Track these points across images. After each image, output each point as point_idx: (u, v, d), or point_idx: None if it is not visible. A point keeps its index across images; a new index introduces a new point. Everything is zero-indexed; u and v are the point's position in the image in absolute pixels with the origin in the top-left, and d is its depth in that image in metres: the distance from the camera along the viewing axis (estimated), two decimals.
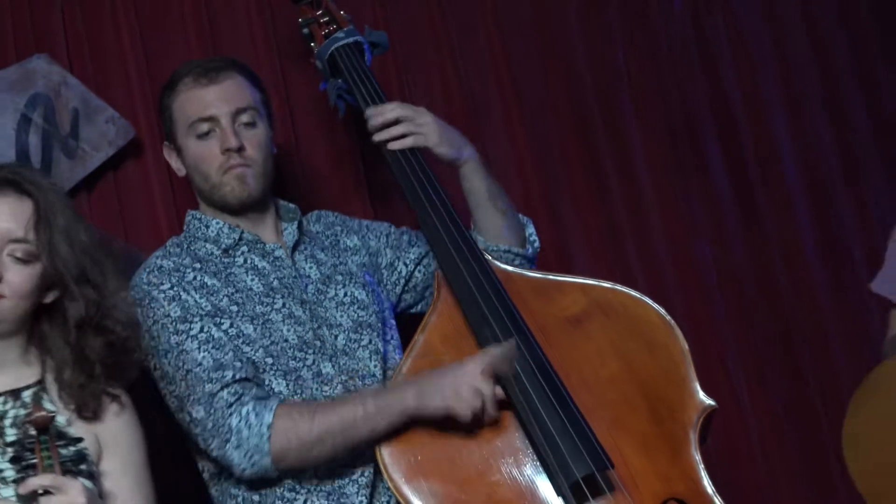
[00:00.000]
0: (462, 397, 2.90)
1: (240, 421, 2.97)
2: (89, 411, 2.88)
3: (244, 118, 3.26)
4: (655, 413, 3.06)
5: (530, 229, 3.48)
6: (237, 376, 3.04)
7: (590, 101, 4.48)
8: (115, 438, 2.91)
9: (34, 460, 2.66)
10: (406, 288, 3.46)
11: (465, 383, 2.91)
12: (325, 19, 3.53)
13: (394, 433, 2.99)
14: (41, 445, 2.65)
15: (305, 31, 3.57)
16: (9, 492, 2.69)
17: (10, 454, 2.72)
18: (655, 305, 3.19)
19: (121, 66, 3.82)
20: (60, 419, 2.81)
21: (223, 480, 3.16)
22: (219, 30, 3.92)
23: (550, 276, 3.29)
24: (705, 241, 4.55)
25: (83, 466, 2.76)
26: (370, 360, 3.22)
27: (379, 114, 3.31)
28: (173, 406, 3.12)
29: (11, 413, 2.81)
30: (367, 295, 3.32)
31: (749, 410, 4.35)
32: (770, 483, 4.35)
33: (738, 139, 4.71)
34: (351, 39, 3.46)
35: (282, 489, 3.09)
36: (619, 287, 3.24)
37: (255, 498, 3.11)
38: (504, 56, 4.37)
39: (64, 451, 2.72)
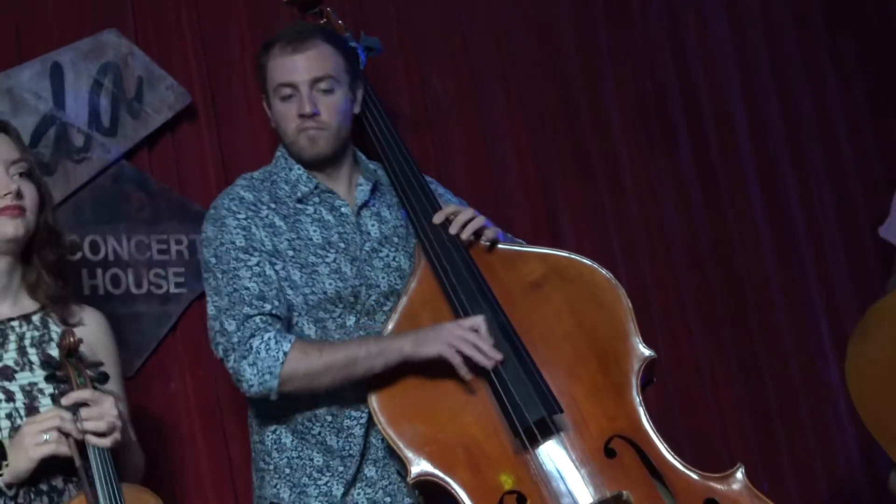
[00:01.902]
0: (451, 344, 2.94)
1: (260, 343, 2.98)
2: (73, 318, 2.90)
3: (322, 85, 3.20)
4: (603, 363, 3.08)
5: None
6: (273, 311, 3.04)
7: (577, 87, 4.48)
8: (104, 351, 2.92)
9: (66, 377, 2.69)
10: None
11: (455, 334, 2.95)
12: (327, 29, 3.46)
13: (382, 383, 3.02)
14: (72, 366, 2.70)
15: None
16: (47, 402, 2.72)
17: (45, 373, 2.73)
18: (604, 271, 3.19)
19: (179, 40, 3.81)
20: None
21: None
22: (265, 12, 3.91)
23: (514, 247, 3.27)
24: (671, 207, 4.56)
25: (106, 386, 2.78)
26: (384, 325, 3.20)
27: (455, 218, 3.19)
28: (211, 313, 3.11)
29: (28, 335, 2.83)
30: (410, 265, 3.30)
31: (703, 356, 4.38)
32: (719, 418, 4.37)
33: (701, 122, 4.72)
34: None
35: (303, 417, 3.12)
36: (573, 255, 3.24)
37: (283, 418, 3.14)
38: (504, 48, 4.37)
39: (89, 371, 2.74)
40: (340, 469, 3.10)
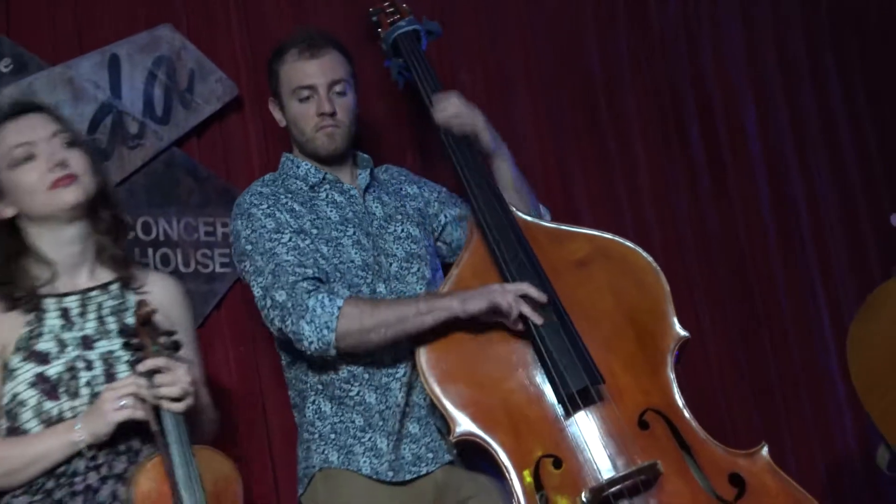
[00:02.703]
0: (503, 296, 2.92)
1: (315, 302, 2.98)
2: (135, 282, 2.93)
3: (337, 88, 3.29)
4: (641, 340, 3.06)
5: (544, 211, 3.48)
6: (314, 274, 3.07)
7: (597, 84, 4.50)
8: (178, 318, 2.95)
9: (141, 345, 2.71)
10: (440, 237, 3.47)
11: (503, 289, 2.94)
12: (391, 9, 3.55)
13: (432, 343, 3.01)
14: (147, 334, 2.73)
15: (374, 18, 3.58)
16: (124, 369, 2.75)
17: (122, 341, 2.75)
18: (645, 254, 3.17)
19: (228, 36, 3.84)
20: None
21: (296, 367, 3.23)
22: (307, 12, 3.95)
23: (563, 227, 3.27)
24: (683, 199, 4.58)
25: (179, 353, 2.79)
26: (417, 285, 3.26)
27: (442, 109, 3.31)
28: (258, 295, 3.11)
29: (106, 304, 2.85)
30: (419, 232, 3.36)
31: (710, 336, 4.38)
32: (725, 400, 4.39)
33: (713, 118, 4.74)
34: (410, 28, 3.49)
35: (340, 381, 3.14)
36: (618, 238, 3.21)
37: (319, 387, 3.17)
38: (530, 48, 4.40)
39: (163, 339, 2.75)
40: (380, 423, 3.12)
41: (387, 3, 3.56)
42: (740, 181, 4.74)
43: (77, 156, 2.84)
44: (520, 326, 2.96)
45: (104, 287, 2.87)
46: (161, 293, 2.94)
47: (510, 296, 2.93)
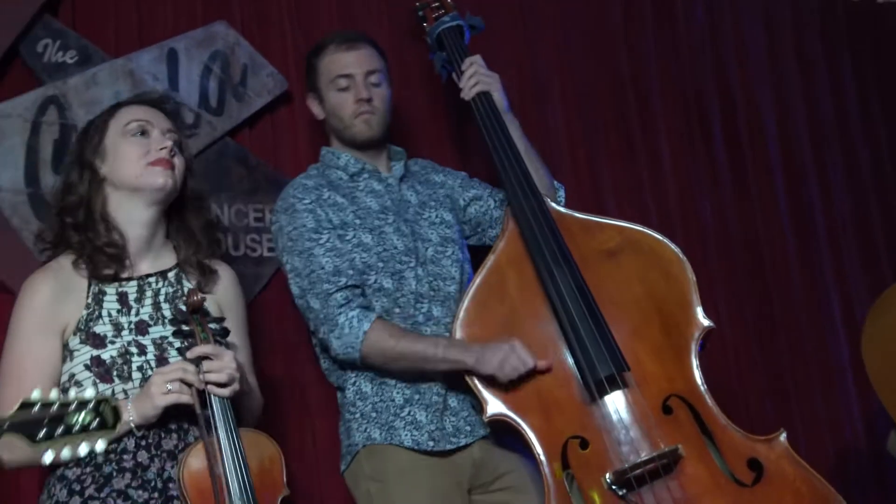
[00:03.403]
0: (504, 371, 2.93)
1: (345, 320, 3.04)
2: (209, 284, 2.96)
3: (373, 78, 3.33)
4: (666, 328, 3.05)
5: (561, 192, 3.46)
6: (349, 283, 3.09)
7: (626, 85, 4.49)
8: (229, 305, 3.00)
9: (191, 332, 2.75)
10: (462, 219, 3.46)
11: (509, 362, 2.94)
12: (436, 4, 3.54)
13: (466, 326, 3.05)
14: (196, 322, 2.77)
15: (420, 13, 3.57)
16: (175, 355, 2.77)
17: (173, 328, 2.78)
18: (673, 245, 3.16)
19: (279, 33, 3.87)
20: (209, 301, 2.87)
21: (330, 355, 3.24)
22: (354, 10, 3.95)
23: (594, 218, 3.25)
24: (705, 196, 4.55)
25: (230, 338, 2.84)
26: (451, 267, 3.27)
27: (467, 66, 3.36)
28: (296, 293, 3.16)
29: (163, 291, 2.88)
30: (451, 217, 3.38)
31: (727, 327, 4.34)
32: (741, 387, 4.38)
33: (734, 119, 4.71)
34: (454, 23, 3.48)
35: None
36: (647, 229, 3.20)
37: (360, 369, 3.18)
38: (564, 50, 4.40)
39: (212, 326, 2.79)
40: (417, 398, 3.14)
41: None
42: (759, 180, 4.72)
43: (179, 158, 2.93)
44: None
45: (163, 274, 2.90)
46: (221, 281, 3.00)
47: (512, 372, 2.95)
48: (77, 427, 2.13)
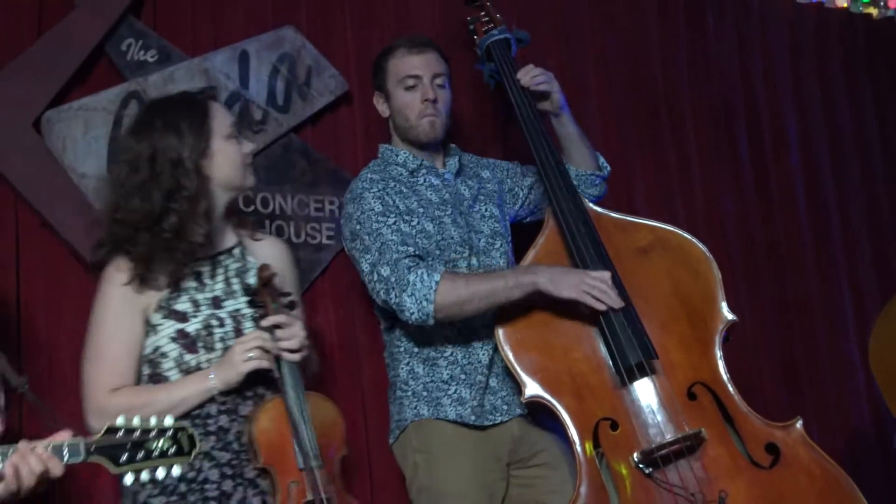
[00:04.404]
0: (584, 290, 2.92)
1: (416, 277, 3.01)
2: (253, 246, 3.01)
3: (438, 81, 3.33)
4: (693, 321, 3.08)
5: (602, 160, 3.49)
6: (415, 252, 3.09)
7: (658, 92, 4.53)
8: (286, 275, 3.00)
9: (263, 303, 2.80)
10: (521, 205, 3.50)
11: (586, 282, 2.94)
12: (486, 19, 3.54)
13: (508, 318, 3.04)
14: (268, 294, 2.81)
15: (471, 27, 3.57)
16: (249, 325, 2.82)
17: (246, 300, 2.83)
18: (701, 244, 3.17)
19: (342, 39, 3.91)
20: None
21: (393, 332, 3.27)
22: (411, 21, 3.98)
23: (628, 218, 3.27)
24: (729, 198, 4.59)
25: (294, 312, 2.87)
26: (500, 259, 3.29)
27: (524, 72, 3.33)
28: (366, 270, 3.12)
29: (231, 267, 2.91)
30: (499, 212, 3.39)
31: (748, 321, 4.34)
32: (758, 378, 4.40)
33: (759, 128, 4.76)
34: (502, 36, 3.46)
35: (434, 345, 3.19)
36: (677, 229, 3.22)
37: (415, 350, 3.22)
38: (602, 61, 4.43)
39: (282, 299, 2.84)
40: (463, 377, 3.17)
41: (482, 13, 3.57)
42: (780, 184, 4.75)
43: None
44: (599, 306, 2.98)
45: (229, 251, 2.93)
46: (275, 255, 3.01)
47: (594, 290, 2.94)
48: (156, 453, 2.21)
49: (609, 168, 3.52)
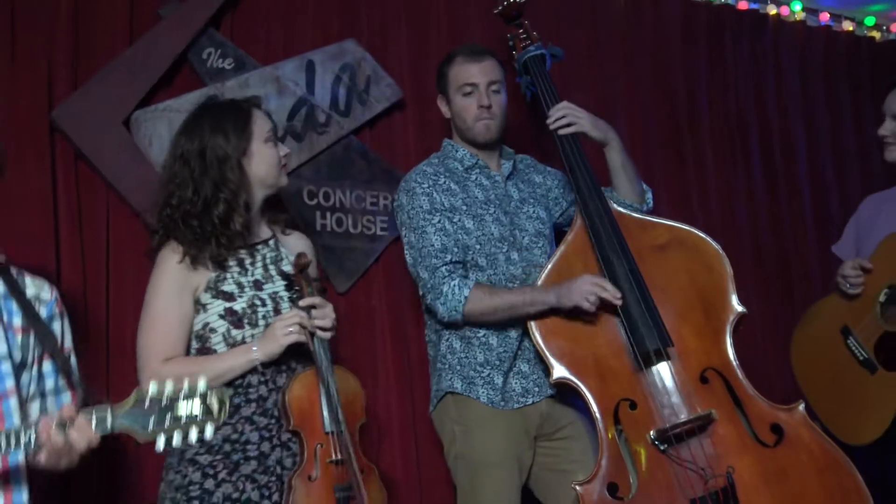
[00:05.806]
0: (584, 295, 2.96)
1: (448, 289, 3.10)
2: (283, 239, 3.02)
3: (494, 87, 3.31)
4: (706, 312, 3.08)
5: (649, 195, 3.44)
6: (453, 259, 3.14)
7: (680, 106, 4.53)
8: (313, 264, 3.00)
9: (300, 286, 2.83)
10: (562, 215, 3.48)
11: (584, 288, 2.97)
12: (524, 36, 3.52)
13: (539, 315, 3.08)
14: (303, 278, 2.84)
15: (510, 43, 3.56)
16: (286, 306, 2.85)
17: (284, 283, 2.86)
18: (714, 243, 3.15)
19: (397, 51, 3.93)
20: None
21: (433, 316, 3.28)
22: (460, 37, 3.97)
23: (647, 218, 3.25)
24: (742, 204, 4.58)
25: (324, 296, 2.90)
26: (541, 257, 3.28)
27: (553, 114, 3.26)
28: (409, 262, 3.20)
29: (268, 255, 2.93)
30: (545, 215, 3.38)
31: (756, 311, 4.23)
32: (763, 361, 4.38)
33: (770, 141, 4.75)
34: (538, 52, 3.45)
35: (468, 327, 3.20)
36: (692, 228, 3.21)
37: (454, 328, 3.21)
38: (630, 77, 4.42)
39: (315, 284, 2.87)
40: (497, 363, 3.18)
41: (521, 31, 3.55)
42: (788, 191, 4.74)
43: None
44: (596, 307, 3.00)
45: (265, 242, 2.96)
46: (301, 246, 3.03)
47: (591, 294, 2.97)
48: (185, 417, 2.10)
49: (651, 204, 3.46)
